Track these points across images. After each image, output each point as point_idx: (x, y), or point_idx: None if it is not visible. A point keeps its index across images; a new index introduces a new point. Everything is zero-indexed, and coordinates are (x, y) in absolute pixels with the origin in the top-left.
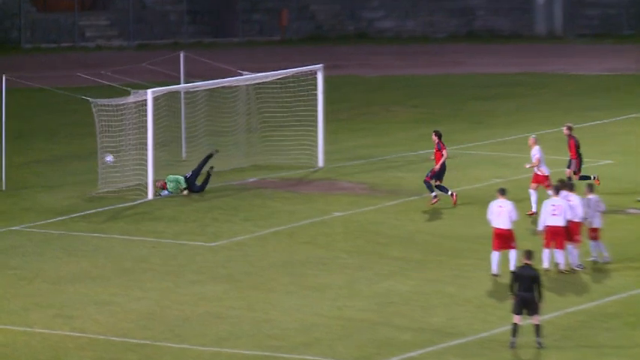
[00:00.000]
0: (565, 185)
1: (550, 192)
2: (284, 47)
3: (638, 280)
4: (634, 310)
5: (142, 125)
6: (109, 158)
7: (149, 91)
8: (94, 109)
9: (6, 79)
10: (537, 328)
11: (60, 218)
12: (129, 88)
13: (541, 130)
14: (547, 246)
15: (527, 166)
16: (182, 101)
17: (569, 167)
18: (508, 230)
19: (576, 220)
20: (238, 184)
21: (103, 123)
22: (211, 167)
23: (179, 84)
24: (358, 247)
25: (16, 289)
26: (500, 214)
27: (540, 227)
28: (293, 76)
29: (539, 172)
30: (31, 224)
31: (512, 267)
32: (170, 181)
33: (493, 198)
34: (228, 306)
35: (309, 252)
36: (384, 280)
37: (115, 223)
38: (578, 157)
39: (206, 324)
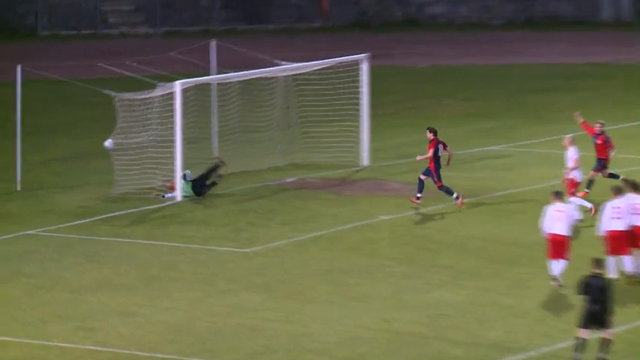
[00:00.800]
0: (630, 185)
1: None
2: (325, 35)
3: None
4: None
5: (168, 120)
6: (108, 143)
7: (177, 82)
8: (117, 104)
9: (21, 70)
10: (606, 343)
11: (80, 221)
12: (155, 81)
13: (606, 126)
14: (611, 253)
15: (569, 167)
16: (214, 94)
17: (597, 169)
18: (564, 237)
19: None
20: (275, 184)
21: (126, 118)
22: (220, 175)
23: (210, 75)
24: (406, 253)
25: (33, 298)
26: (560, 218)
27: (601, 232)
28: (335, 66)
29: (570, 177)
30: (49, 228)
31: (555, 272)
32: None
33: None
34: (264, 317)
35: (352, 259)
36: (435, 289)
37: (140, 226)
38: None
39: (239, 337)
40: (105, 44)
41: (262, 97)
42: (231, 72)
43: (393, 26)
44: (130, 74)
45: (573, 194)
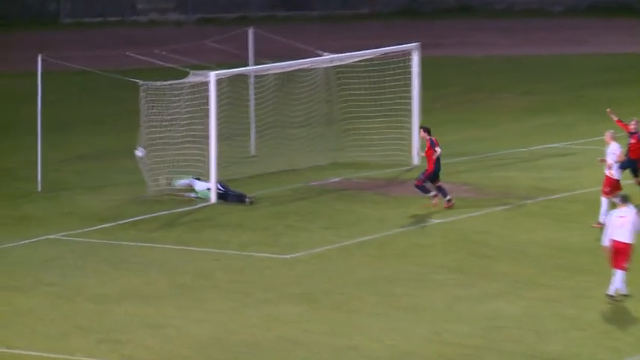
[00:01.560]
0: None
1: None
2: (372, 22)
3: None
4: None
5: (201, 114)
6: (140, 152)
7: (212, 73)
8: (142, 94)
9: (42, 60)
10: None
11: (105, 225)
12: (188, 69)
13: None
14: None
15: (609, 163)
16: (251, 86)
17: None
18: (627, 245)
19: None
20: (317, 185)
21: (153, 110)
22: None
23: (247, 65)
24: (460, 260)
25: (54, 309)
26: (622, 225)
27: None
28: (382, 56)
29: (609, 175)
30: (72, 232)
31: (611, 291)
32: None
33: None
34: (305, 330)
35: (401, 266)
36: (490, 300)
37: (171, 230)
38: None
39: (279, 351)
40: (133, 32)
41: (303, 89)
42: (270, 62)
43: (446, 13)
44: (160, 64)
45: (608, 194)
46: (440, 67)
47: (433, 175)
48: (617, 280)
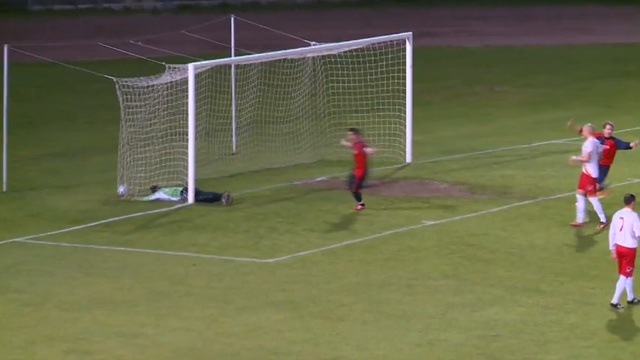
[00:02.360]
0: None
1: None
2: (361, 10)
3: None
4: None
5: (179, 109)
6: (122, 189)
7: (190, 65)
8: (118, 91)
9: (8, 50)
10: None
11: (76, 227)
12: (164, 62)
13: None
14: None
15: (573, 158)
16: (233, 78)
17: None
18: (628, 249)
19: None
20: (302, 184)
21: (130, 108)
22: (228, 198)
23: (229, 56)
24: (454, 265)
25: (20, 317)
26: (622, 227)
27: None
28: (373, 46)
29: (585, 172)
30: (39, 235)
31: (615, 299)
32: (166, 192)
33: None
34: (288, 339)
35: (392, 271)
36: (487, 307)
37: (146, 233)
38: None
39: None
40: (106, 21)
41: (287, 82)
42: (253, 53)
43: (442, 0)
44: (135, 55)
45: (592, 193)
46: (435, 59)
47: (362, 180)
48: (620, 287)
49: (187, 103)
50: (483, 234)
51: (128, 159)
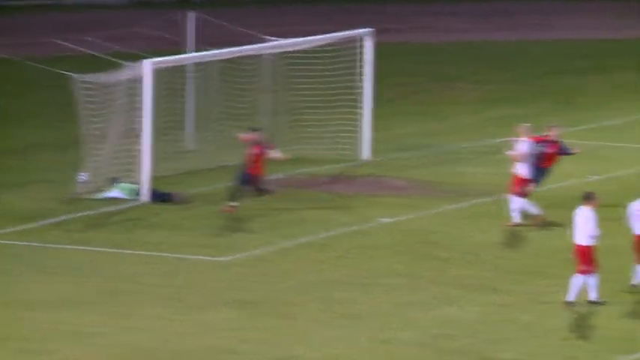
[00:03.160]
0: None
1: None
2: (321, 6)
3: None
4: None
5: (137, 107)
6: (83, 177)
7: (147, 62)
8: (76, 88)
9: None
10: None
11: (28, 226)
12: (120, 60)
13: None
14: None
15: (508, 153)
16: (190, 75)
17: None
18: (583, 247)
19: None
20: None
21: (88, 105)
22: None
23: (187, 53)
24: (409, 263)
25: None
26: (578, 225)
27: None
28: (332, 43)
29: (516, 172)
30: None
31: (570, 297)
32: (123, 189)
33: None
34: (241, 338)
35: (346, 270)
36: (442, 305)
37: (100, 232)
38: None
39: None
40: (62, 16)
41: (246, 79)
42: (212, 50)
43: None
44: (92, 52)
45: (522, 194)
46: (392, 55)
47: (254, 179)
48: (575, 285)
49: (143, 100)
50: (438, 232)
51: (87, 155)
